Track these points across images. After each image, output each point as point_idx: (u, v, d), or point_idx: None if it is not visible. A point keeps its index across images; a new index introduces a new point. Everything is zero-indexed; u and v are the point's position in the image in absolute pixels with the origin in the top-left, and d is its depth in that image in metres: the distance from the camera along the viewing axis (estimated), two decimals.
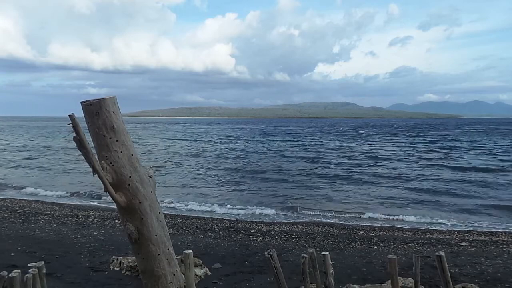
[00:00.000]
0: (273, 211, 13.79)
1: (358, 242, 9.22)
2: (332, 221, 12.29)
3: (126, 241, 6.66)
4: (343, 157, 32.06)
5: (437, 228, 11.45)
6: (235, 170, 24.57)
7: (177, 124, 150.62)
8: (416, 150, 37.43)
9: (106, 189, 3.88)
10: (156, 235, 4.23)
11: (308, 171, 23.75)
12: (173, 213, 13.01)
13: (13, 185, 18.66)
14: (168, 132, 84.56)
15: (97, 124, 3.89)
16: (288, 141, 53.46)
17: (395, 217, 12.77)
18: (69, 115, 3.54)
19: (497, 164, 26.13)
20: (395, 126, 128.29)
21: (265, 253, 3.95)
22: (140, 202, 4.09)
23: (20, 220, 10.77)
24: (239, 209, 14.19)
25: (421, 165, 26.05)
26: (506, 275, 6.57)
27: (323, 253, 4.03)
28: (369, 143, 49.07)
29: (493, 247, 8.77)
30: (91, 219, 11.22)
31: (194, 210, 14.06)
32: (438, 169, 24.21)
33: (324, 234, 10.20)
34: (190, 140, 55.95)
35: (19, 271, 3.35)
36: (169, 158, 31.52)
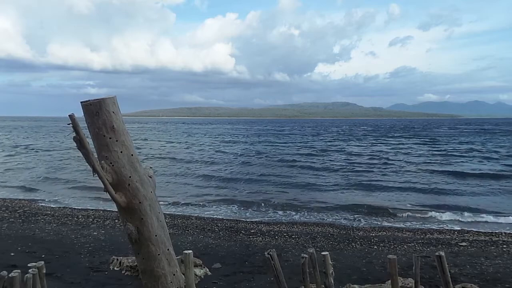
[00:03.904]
0: (273, 211, 13.78)
1: (358, 242, 9.21)
2: (332, 221, 12.29)
3: (126, 241, 6.66)
4: (343, 158, 32.06)
5: (437, 228, 11.45)
6: (234, 170, 24.57)
7: (178, 124, 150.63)
8: (416, 150, 37.41)
9: (106, 189, 3.89)
10: (156, 235, 4.24)
11: (308, 172, 23.73)
12: (173, 213, 13.00)
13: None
14: (167, 132, 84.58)
15: (97, 124, 3.89)
16: (288, 142, 53.49)
17: (395, 217, 12.77)
18: (69, 115, 3.54)
19: (497, 166, 26.12)
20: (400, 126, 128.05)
21: (265, 253, 3.94)
22: (140, 202, 4.09)
23: (20, 220, 10.77)
24: (239, 209, 14.19)
25: (420, 165, 26.03)
26: (506, 275, 6.57)
27: (323, 253, 4.03)
28: (367, 143, 49.10)
29: (493, 247, 8.76)
30: (91, 219, 11.22)
31: (194, 210, 14.05)
32: (437, 169, 24.18)
33: (324, 234, 10.19)
34: (189, 140, 55.98)
35: (19, 271, 3.35)
36: (168, 159, 31.50)
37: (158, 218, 4.31)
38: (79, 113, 3.81)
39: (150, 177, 4.34)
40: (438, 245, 9.01)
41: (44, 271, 3.73)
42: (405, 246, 8.85)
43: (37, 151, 36.21)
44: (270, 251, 3.93)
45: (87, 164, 3.79)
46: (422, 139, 54.95)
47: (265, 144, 47.46)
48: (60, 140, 51.41)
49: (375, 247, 8.78)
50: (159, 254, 4.26)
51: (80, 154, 3.75)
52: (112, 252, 7.56)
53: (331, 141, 52.66)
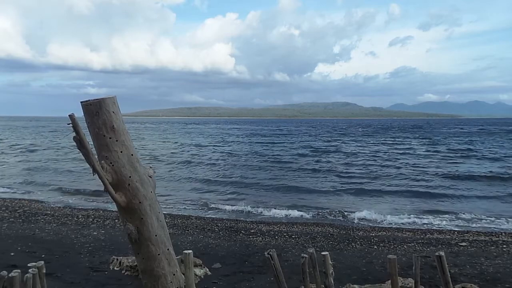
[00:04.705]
0: (273, 211, 13.78)
1: (358, 242, 9.21)
2: (332, 221, 12.29)
3: (126, 241, 6.66)
4: (342, 158, 32.06)
5: (437, 228, 11.45)
6: (234, 171, 24.57)
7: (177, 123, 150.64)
8: (415, 151, 37.41)
9: (106, 189, 3.89)
10: (156, 235, 4.24)
11: (307, 173, 23.74)
12: (173, 213, 13.00)
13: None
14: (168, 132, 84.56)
15: (97, 124, 3.89)
16: (287, 142, 53.50)
17: (395, 217, 12.77)
18: (69, 115, 3.54)
19: (497, 168, 26.12)
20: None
21: (265, 253, 3.94)
22: (140, 202, 4.09)
23: (20, 220, 10.77)
24: (239, 209, 14.19)
25: (419, 166, 26.04)
26: (506, 275, 6.57)
27: (323, 253, 4.03)
28: (366, 143, 49.11)
29: (493, 247, 8.76)
30: (91, 219, 11.22)
31: (194, 210, 14.05)
32: (436, 170, 24.18)
33: (324, 234, 10.19)
34: (187, 140, 55.99)
35: (19, 271, 3.34)
36: (166, 159, 31.51)
37: (158, 218, 4.31)
38: (79, 113, 3.81)
39: (150, 177, 4.34)
40: (438, 245, 9.00)
41: (44, 271, 3.72)
42: (405, 246, 8.85)
43: (36, 151, 36.21)
44: (270, 251, 3.93)
45: (86, 163, 3.79)
46: (421, 140, 54.89)
47: (264, 145, 47.43)
48: (51, 140, 51.38)
49: (375, 247, 8.78)
50: (159, 254, 4.26)
51: (80, 154, 3.76)
52: (112, 252, 7.56)
53: (330, 141, 52.66)
